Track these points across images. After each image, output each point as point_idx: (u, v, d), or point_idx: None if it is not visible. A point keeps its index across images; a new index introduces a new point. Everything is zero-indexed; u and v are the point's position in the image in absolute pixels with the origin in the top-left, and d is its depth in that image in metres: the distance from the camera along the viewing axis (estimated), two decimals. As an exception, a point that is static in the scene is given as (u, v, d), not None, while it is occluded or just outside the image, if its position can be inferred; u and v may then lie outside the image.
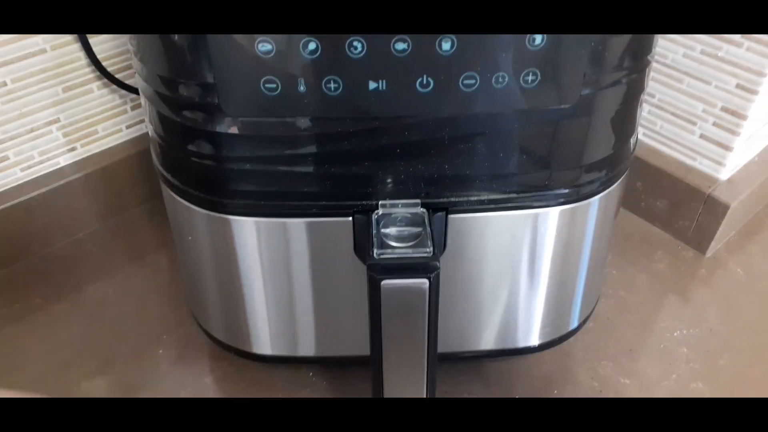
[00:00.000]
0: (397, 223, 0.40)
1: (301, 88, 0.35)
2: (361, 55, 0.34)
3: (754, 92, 0.57)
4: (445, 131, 0.38)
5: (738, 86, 0.57)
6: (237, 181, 0.40)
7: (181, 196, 0.43)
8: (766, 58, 0.54)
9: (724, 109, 0.59)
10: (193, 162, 0.40)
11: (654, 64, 0.62)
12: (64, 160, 0.66)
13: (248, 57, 0.34)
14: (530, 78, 0.35)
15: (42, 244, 0.66)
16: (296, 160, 0.39)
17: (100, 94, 0.65)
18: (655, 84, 0.63)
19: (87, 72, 0.63)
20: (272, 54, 0.34)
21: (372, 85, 0.35)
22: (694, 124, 0.62)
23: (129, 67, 0.65)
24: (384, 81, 0.35)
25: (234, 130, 0.37)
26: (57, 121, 0.63)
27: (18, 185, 0.64)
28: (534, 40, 0.34)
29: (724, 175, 0.63)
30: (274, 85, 0.35)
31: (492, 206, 0.41)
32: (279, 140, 0.38)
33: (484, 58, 0.34)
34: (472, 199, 0.41)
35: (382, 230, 0.39)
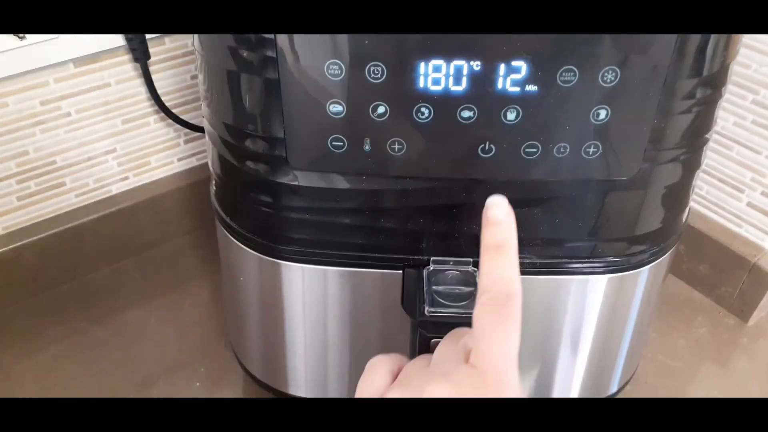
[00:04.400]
0: (447, 281, 0.40)
1: (367, 147, 0.36)
2: (428, 120, 0.35)
3: (805, 165, 0.57)
4: (503, 193, 0.38)
5: (789, 158, 0.57)
6: (294, 230, 0.41)
7: (236, 238, 0.44)
8: (819, 133, 0.54)
9: (774, 180, 0.59)
10: (253, 208, 0.42)
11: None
12: (116, 189, 0.68)
13: (319, 116, 0.35)
14: (591, 150, 0.36)
15: (88, 268, 0.68)
16: (354, 214, 0.40)
17: (156, 128, 0.67)
18: (703, 149, 0.63)
19: (146, 106, 0.65)
20: (342, 114, 0.35)
21: (435, 148, 0.36)
22: (742, 191, 0.62)
23: (185, 102, 0.67)
24: (447, 146, 0.36)
25: (297, 182, 0.38)
26: (113, 151, 0.65)
27: (71, 210, 0.66)
28: (598, 114, 0.35)
29: (770, 244, 0.63)
30: (341, 143, 0.36)
31: (543, 269, 0.42)
32: (340, 194, 0.39)
33: (547, 129, 0.35)
34: (525, 261, 0.41)
35: (433, 287, 0.40)
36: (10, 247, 0.62)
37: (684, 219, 0.45)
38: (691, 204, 0.67)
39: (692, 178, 0.41)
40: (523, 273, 0.42)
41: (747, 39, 0.56)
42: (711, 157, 0.63)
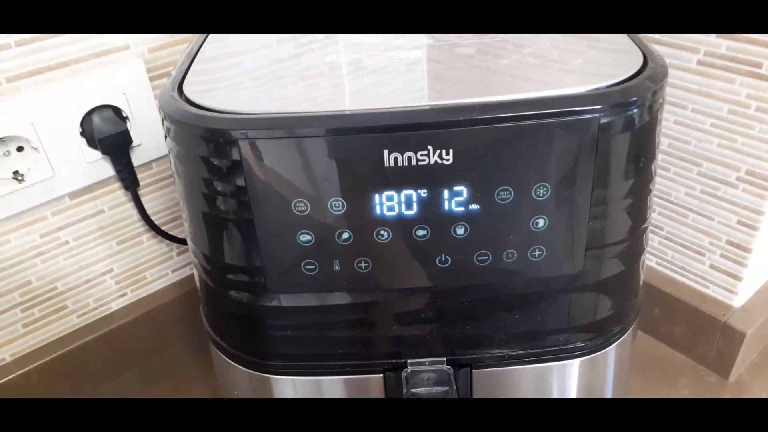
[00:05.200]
0: (425, 382, 0.43)
1: (336, 267, 0.40)
2: (388, 240, 0.39)
3: (755, 228, 0.60)
4: (464, 297, 0.42)
5: (739, 222, 0.61)
6: (277, 346, 0.45)
7: (226, 356, 0.48)
8: (761, 198, 0.59)
9: (729, 243, 0.63)
10: (240, 329, 0.45)
11: (659, 200, 0.66)
12: (115, 306, 0.71)
13: (291, 245, 0.39)
14: (537, 253, 0.40)
15: (93, 384, 0.71)
16: (332, 327, 0.43)
17: (150, 245, 0.71)
18: (662, 218, 0.67)
19: (138, 226, 0.69)
20: (311, 243, 0.39)
21: (397, 263, 0.40)
22: (703, 255, 0.66)
23: (175, 218, 0.72)
24: (407, 260, 0.40)
25: (276, 303, 0.42)
26: (111, 271, 0.69)
27: (73, 331, 0.69)
28: (537, 223, 0.39)
29: (737, 302, 0.66)
30: (313, 266, 0.40)
31: (514, 361, 0.45)
32: (316, 310, 0.42)
33: (493, 240, 0.39)
34: (495, 354, 0.44)
35: (412, 390, 0.43)
36: (18, 373, 0.65)
37: (639, 296, 0.48)
38: (660, 269, 0.71)
39: (638, 262, 0.45)
40: (495, 366, 0.46)
41: (682, 119, 0.61)
42: (670, 224, 0.67)
